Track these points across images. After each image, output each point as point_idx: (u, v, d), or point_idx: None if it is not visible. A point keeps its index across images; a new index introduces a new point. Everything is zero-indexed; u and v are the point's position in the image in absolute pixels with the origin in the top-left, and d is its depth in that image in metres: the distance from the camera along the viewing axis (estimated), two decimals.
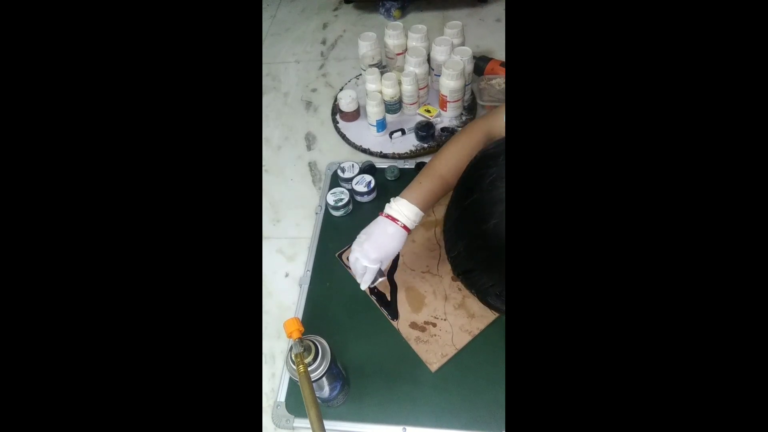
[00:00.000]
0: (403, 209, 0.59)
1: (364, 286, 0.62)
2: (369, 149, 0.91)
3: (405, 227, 0.59)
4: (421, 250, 0.74)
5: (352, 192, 0.81)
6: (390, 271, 0.72)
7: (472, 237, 0.46)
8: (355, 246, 0.60)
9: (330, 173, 0.89)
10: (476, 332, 0.64)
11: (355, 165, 0.84)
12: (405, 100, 0.94)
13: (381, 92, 0.91)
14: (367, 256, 0.59)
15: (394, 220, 0.59)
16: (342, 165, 0.84)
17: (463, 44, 0.94)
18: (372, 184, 0.81)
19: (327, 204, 0.80)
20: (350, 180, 0.82)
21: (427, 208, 0.60)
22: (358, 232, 0.66)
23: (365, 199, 0.82)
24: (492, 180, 0.43)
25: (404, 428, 0.59)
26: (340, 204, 0.79)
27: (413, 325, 0.66)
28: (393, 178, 0.85)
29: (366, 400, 0.61)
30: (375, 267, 0.59)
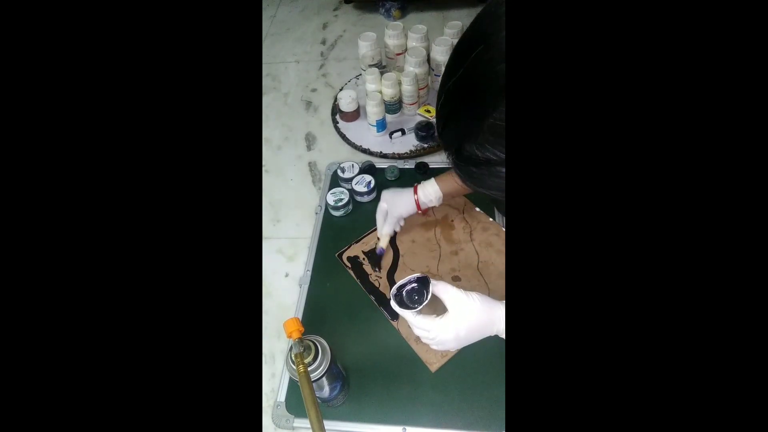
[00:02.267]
0: (427, 187, 0.71)
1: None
2: (369, 149, 0.91)
3: (416, 194, 0.71)
4: (421, 250, 0.74)
5: (352, 192, 0.81)
6: (390, 271, 0.73)
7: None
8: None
9: (330, 173, 0.89)
10: None
11: (355, 165, 0.84)
12: (405, 100, 0.94)
13: (381, 92, 0.91)
14: (384, 198, 0.72)
15: (415, 191, 0.71)
16: (342, 165, 0.84)
17: None
18: (372, 184, 0.81)
19: (327, 204, 0.80)
20: (350, 180, 0.82)
21: (451, 192, 0.71)
22: (357, 232, 0.76)
23: (365, 199, 0.82)
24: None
25: (404, 428, 0.59)
26: (340, 204, 0.79)
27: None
28: (393, 178, 0.85)
29: (366, 400, 0.61)
30: (382, 208, 0.71)
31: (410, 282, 0.50)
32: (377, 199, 0.82)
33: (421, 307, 0.49)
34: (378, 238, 0.74)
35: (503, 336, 0.49)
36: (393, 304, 0.50)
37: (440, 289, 0.49)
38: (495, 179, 0.34)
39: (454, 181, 0.69)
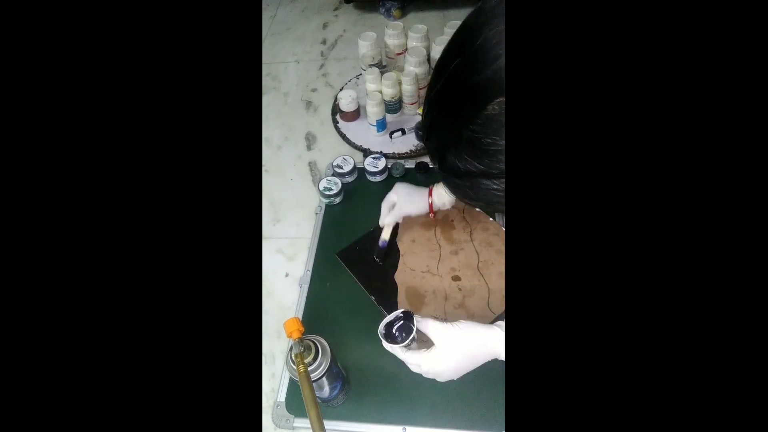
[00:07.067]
0: (440, 189, 0.71)
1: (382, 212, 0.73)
2: (369, 149, 0.91)
3: (431, 197, 0.71)
4: (421, 250, 0.74)
5: (365, 171, 0.86)
6: (390, 272, 0.73)
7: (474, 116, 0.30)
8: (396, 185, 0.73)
9: (330, 173, 0.89)
10: None
11: (347, 158, 0.86)
12: (405, 100, 0.94)
13: (381, 92, 0.91)
14: (396, 190, 0.72)
15: (430, 193, 0.71)
16: (335, 162, 0.87)
17: None
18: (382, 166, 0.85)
19: (319, 190, 0.83)
20: (349, 173, 0.85)
21: None
22: (356, 232, 0.78)
23: (377, 179, 0.87)
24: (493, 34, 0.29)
25: (404, 428, 0.59)
26: (329, 192, 0.82)
27: None
28: (398, 175, 0.87)
29: (366, 400, 0.61)
30: (391, 199, 0.72)
31: (398, 318, 0.50)
32: (386, 181, 0.85)
33: (409, 340, 0.49)
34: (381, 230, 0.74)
35: (504, 358, 0.49)
36: (383, 341, 0.50)
37: (423, 325, 0.50)
38: (477, 191, 0.34)
39: None
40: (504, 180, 0.31)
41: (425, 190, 0.71)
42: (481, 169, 0.32)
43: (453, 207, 0.78)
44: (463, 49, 0.31)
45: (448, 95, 0.33)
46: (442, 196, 0.71)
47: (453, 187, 0.36)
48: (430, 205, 0.71)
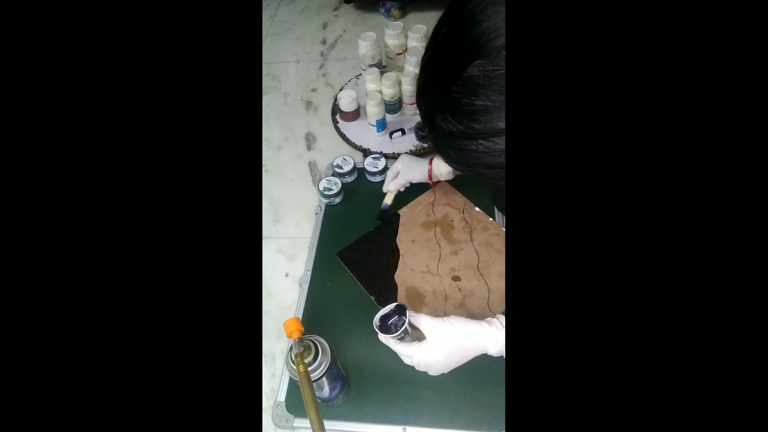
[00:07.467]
0: (440, 162, 0.76)
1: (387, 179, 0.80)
2: (369, 149, 0.91)
3: (431, 165, 0.77)
4: (421, 250, 0.74)
5: (364, 170, 0.87)
6: (390, 271, 0.73)
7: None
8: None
9: (330, 173, 0.89)
10: None
11: (347, 158, 0.87)
12: (405, 100, 0.94)
13: (381, 92, 0.91)
14: (401, 160, 0.79)
15: (430, 162, 0.77)
16: (335, 162, 0.87)
17: None
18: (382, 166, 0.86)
19: (319, 191, 0.83)
20: (349, 173, 0.86)
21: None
22: (356, 232, 0.79)
23: (377, 179, 0.87)
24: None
25: (404, 428, 0.59)
26: (328, 192, 0.82)
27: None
28: None
29: (366, 400, 0.61)
30: (396, 167, 0.78)
31: (392, 311, 0.52)
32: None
33: (400, 332, 0.50)
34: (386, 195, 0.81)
35: (492, 353, 0.51)
36: (378, 333, 0.51)
37: (416, 320, 0.52)
38: (458, 152, 0.35)
39: None
40: (481, 142, 0.32)
41: (426, 160, 0.78)
42: (461, 129, 0.33)
43: (453, 207, 0.79)
44: (452, 17, 0.33)
45: (436, 59, 0.35)
46: (440, 166, 0.76)
47: (439, 150, 0.38)
48: (429, 170, 0.77)
